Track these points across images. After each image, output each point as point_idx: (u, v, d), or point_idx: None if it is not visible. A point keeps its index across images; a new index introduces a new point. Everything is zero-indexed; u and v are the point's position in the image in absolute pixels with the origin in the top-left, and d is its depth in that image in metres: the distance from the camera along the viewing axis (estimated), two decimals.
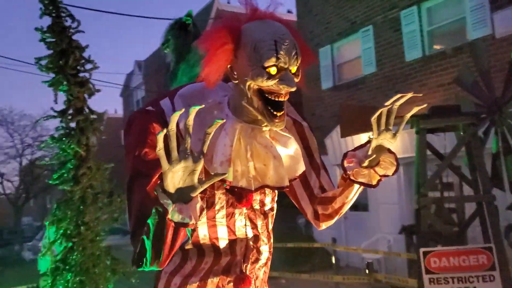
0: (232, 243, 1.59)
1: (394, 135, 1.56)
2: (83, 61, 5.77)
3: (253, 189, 1.55)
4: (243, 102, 1.49)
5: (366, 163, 1.61)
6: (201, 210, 1.30)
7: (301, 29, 13.88)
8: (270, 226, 1.71)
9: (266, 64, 1.42)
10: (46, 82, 5.57)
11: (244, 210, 1.61)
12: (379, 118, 1.56)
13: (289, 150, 1.61)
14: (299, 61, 1.48)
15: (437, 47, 10.26)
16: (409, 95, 1.51)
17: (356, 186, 1.68)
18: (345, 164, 1.66)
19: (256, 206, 1.64)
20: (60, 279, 5.24)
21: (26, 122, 29.62)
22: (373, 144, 1.59)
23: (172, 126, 1.15)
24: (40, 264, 6.09)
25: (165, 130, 1.13)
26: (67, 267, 5.29)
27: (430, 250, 4.91)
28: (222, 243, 1.58)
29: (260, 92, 1.47)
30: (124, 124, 1.61)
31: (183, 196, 1.21)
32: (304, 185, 1.80)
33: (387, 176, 1.65)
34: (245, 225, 1.61)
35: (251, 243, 1.62)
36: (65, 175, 5.51)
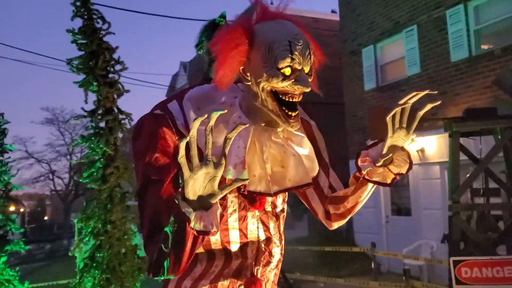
0: (244, 246, 1.58)
1: (408, 133, 1.57)
2: (112, 62, 5.89)
3: (272, 193, 1.53)
4: (257, 103, 1.48)
5: (381, 162, 1.60)
6: (221, 216, 1.26)
7: (344, 29, 13.77)
8: (282, 228, 1.70)
9: (281, 65, 1.41)
10: (77, 82, 5.72)
11: (257, 212, 1.59)
12: (393, 117, 1.57)
13: (304, 150, 1.60)
14: (312, 61, 1.47)
15: (484, 47, 9.89)
16: (423, 93, 1.52)
17: (370, 185, 1.68)
18: (359, 163, 1.66)
19: (268, 208, 1.63)
20: (87, 276, 5.35)
21: (76, 121, 30.73)
22: (388, 142, 1.59)
23: (193, 132, 1.13)
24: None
25: (188, 138, 1.12)
26: (94, 264, 5.40)
27: (461, 259, 4.68)
28: (234, 247, 1.57)
29: (274, 93, 1.46)
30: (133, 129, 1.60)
31: (203, 203, 1.20)
32: (314, 185, 1.76)
33: (402, 174, 1.64)
34: (258, 227, 1.60)
35: (263, 245, 1.61)
36: (95, 174, 5.63)
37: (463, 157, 5.54)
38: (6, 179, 6.56)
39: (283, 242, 1.70)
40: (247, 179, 1.24)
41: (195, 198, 1.19)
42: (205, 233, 1.20)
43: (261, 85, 1.45)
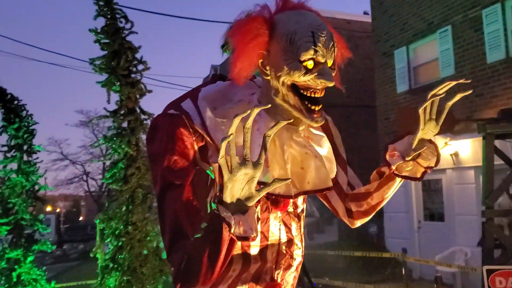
0: (263, 249, 1.53)
1: (437, 124, 1.54)
2: (135, 62, 5.88)
3: (292, 195, 1.46)
4: (277, 99, 1.42)
5: (411, 156, 1.56)
6: (258, 220, 1.23)
7: (376, 31, 13.56)
8: (302, 229, 1.65)
9: (303, 58, 1.35)
10: (100, 82, 5.72)
11: (279, 214, 1.55)
12: (424, 109, 1.53)
13: (324, 150, 1.56)
14: (335, 54, 1.42)
15: None
16: (454, 82, 1.48)
17: (398, 180, 1.64)
18: (388, 158, 1.62)
19: (290, 208, 1.58)
20: (108, 277, 5.34)
21: (110, 124, 31.30)
22: (419, 135, 1.55)
23: (233, 129, 1.09)
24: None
25: (230, 136, 1.08)
26: (115, 266, 5.38)
27: (495, 269, 4.45)
28: (254, 250, 1.51)
29: (295, 88, 1.40)
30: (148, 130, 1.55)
31: (240, 206, 1.17)
32: (332, 182, 1.71)
33: (431, 167, 1.60)
34: (279, 229, 1.55)
35: (283, 248, 1.56)
36: (117, 174, 5.62)
37: (498, 161, 5.32)
38: (34, 179, 6.65)
39: (303, 243, 1.65)
40: (289, 178, 1.19)
41: (234, 201, 1.15)
42: (245, 238, 1.16)
43: (282, 79, 1.39)
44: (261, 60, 1.43)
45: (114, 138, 5.62)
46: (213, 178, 1.45)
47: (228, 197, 1.14)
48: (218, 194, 1.16)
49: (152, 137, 1.45)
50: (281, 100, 1.41)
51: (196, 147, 1.42)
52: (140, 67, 5.92)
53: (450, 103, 1.49)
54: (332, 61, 1.41)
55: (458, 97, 1.47)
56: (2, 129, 6.66)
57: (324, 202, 1.79)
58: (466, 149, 10.12)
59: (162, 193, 1.35)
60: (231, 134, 1.08)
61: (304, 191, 1.49)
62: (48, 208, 37.99)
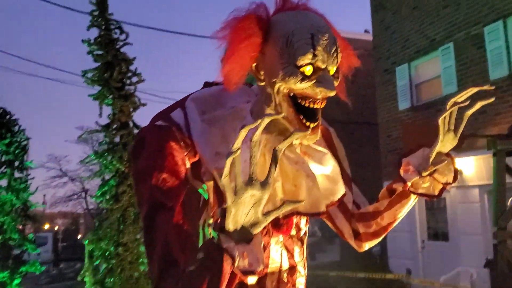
0: (262, 278, 1.35)
1: (456, 136, 1.44)
2: (129, 74, 5.70)
3: (281, 216, 1.28)
4: (268, 109, 1.28)
5: (429, 171, 1.45)
6: (263, 249, 1.13)
7: (377, 48, 13.50)
8: (305, 254, 1.48)
9: (301, 62, 1.20)
10: (92, 95, 5.54)
11: (281, 238, 1.38)
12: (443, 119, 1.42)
13: (325, 168, 1.38)
14: (339, 61, 1.26)
15: None
16: (477, 88, 1.37)
17: (413, 198, 1.52)
18: (402, 173, 1.48)
19: (293, 231, 1.42)
20: None
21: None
22: (438, 147, 1.44)
23: (239, 143, 0.93)
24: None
25: (237, 152, 0.92)
26: None
27: None
28: (251, 279, 1.31)
29: (292, 98, 1.24)
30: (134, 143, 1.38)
31: (244, 234, 1.01)
32: (341, 200, 1.55)
33: (449, 184, 1.48)
34: (281, 255, 1.38)
35: (285, 276, 1.39)
36: (108, 192, 5.41)
37: (508, 179, 5.12)
38: (25, 196, 6.43)
39: (306, 270, 1.47)
40: (302, 201, 1.06)
41: (238, 228, 0.99)
42: (251, 272, 0.99)
43: (277, 86, 1.23)
44: (255, 64, 1.27)
45: (105, 154, 5.42)
46: (206, 198, 1.31)
47: (231, 224, 0.98)
48: (219, 220, 1.00)
49: (137, 152, 1.28)
50: (272, 110, 1.26)
51: (188, 164, 1.27)
52: (135, 79, 5.74)
53: (469, 112, 1.37)
54: (334, 69, 1.26)
55: (478, 105, 1.35)
56: None
57: (328, 223, 1.62)
58: (470, 167, 9.94)
59: (151, 216, 1.17)
60: (238, 148, 0.92)
61: (297, 211, 1.32)
62: (46, 226, 37.73)
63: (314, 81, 1.21)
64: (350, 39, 15.53)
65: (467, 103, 1.38)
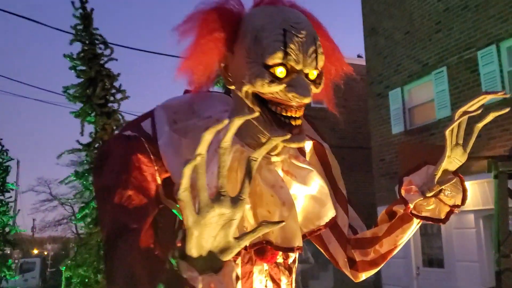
0: None
1: (465, 151, 1.27)
2: (113, 90, 5.50)
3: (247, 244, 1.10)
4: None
5: (434, 191, 1.27)
6: (237, 280, 0.95)
7: (370, 72, 13.52)
8: (294, 284, 1.30)
9: (270, 62, 1.03)
10: (73, 113, 5.33)
11: (265, 266, 1.20)
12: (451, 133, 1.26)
13: (311, 188, 1.21)
14: (320, 63, 1.08)
15: None
16: (491, 95, 1.21)
17: (415, 222, 1.33)
18: (404, 194, 1.29)
19: (279, 259, 1.24)
20: None
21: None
22: (444, 164, 1.27)
23: (203, 149, 0.74)
24: None
25: (197, 159, 0.73)
26: None
27: None
28: None
29: (263, 102, 1.07)
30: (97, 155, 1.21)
31: (212, 261, 0.81)
32: (330, 224, 1.36)
33: (458, 206, 1.31)
34: (265, 286, 1.21)
35: None
36: (89, 215, 5.17)
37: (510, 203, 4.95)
38: (5, 220, 6.15)
39: None
40: (283, 221, 0.84)
41: (203, 254, 0.80)
42: None
43: (244, 88, 1.06)
44: (224, 64, 1.12)
45: (86, 174, 5.18)
46: (181, 219, 1.12)
47: (194, 249, 0.79)
48: (179, 244, 0.82)
49: (100, 166, 1.11)
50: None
51: (159, 180, 1.10)
52: (119, 96, 5.54)
53: (480, 125, 1.21)
54: (315, 73, 1.09)
55: (491, 116, 1.19)
56: None
57: (321, 249, 1.43)
58: None
59: (112, 240, 1.00)
60: (199, 155, 0.74)
61: (267, 241, 1.14)
62: (36, 251, 37.06)
63: (285, 85, 1.05)
64: None
65: (479, 112, 1.22)
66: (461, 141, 1.27)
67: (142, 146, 1.10)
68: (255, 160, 0.80)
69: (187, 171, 0.73)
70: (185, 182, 0.74)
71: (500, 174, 4.71)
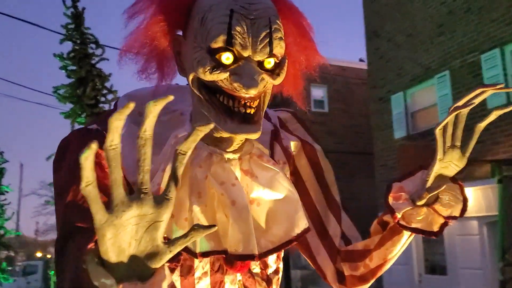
0: None
1: (463, 155, 1.11)
2: (104, 91, 5.39)
3: (196, 252, 1.00)
4: (198, 106, 1.02)
5: (424, 200, 1.12)
6: None
7: (372, 76, 13.46)
8: None
9: (213, 46, 0.92)
10: (63, 113, 5.21)
11: (238, 276, 1.10)
12: (445, 132, 1.10)
13: (277, 193, 1.06)
14: (278, 50, 0.95)
15: None
16: (490, 88, 1.06)
17: (407, 234, 1.17)
18: (391, 202, 1.15)
19: (256, 269, 1.13)
20: None
21: None
22: (436, 168, 1.11)
23: (113, 139, 0.63)
24: None
25: (92, 147, 0.60)
26: None
27: None
28: None
29: (212, 91, 0.96)
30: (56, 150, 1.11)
31: (138, 267, 0.70)
32: (320, 233, 1.26)
33: (454, 218, 1.14)
34: None
35: None
36: None
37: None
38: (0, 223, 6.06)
39: None
40: (214, 225, 0.71)
41: (124, 260, 0.67)
42: None
43: (190, 76, 0.97)
44: (178, 50, 1.02)
45: None
46: None
47: (111, 253, 0.67)
48: (93, 246, 0.70)
49: (58, 160, 1.03)
50: (200, 107, 1.01)
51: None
52: (110, 96, 5.44)
53: (482, 124, 1.06)
54: (271, 60, 0.97)
55: (494, 115, 1.04)
56: None
57: (308, 260, 1.29)
58: (469, 197, 9.50)
59: (61, 241, 0.91)
60: (110, 146, 0.63)
61: (223, 249, 1.02)
62: (39, 254, 37.12)
63: (230, 73, 0.93)
64: (345, 67, 15.61)
65: (469, 108, 1.07)
66: (458, 143, 1.11)
67: (104, 140, 0.98)
68: (183, 154, 0.68)
69: (85, 161, 0.60)
70: (86, 175, 0.61)
71: (504, 178, 4.58)
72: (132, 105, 0.62)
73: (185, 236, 0.70)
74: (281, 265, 1.20)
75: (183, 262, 1.07)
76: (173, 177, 0.69)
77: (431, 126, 11.17)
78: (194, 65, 0.96)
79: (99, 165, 0.96)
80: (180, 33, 1.06)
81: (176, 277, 1.08)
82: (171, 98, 0.67)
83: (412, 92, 12.13)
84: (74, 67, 5.09)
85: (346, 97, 17.90)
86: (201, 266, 1.08)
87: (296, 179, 1.26)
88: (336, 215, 1.28)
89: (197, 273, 1.07)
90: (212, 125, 0.69)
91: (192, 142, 0.68)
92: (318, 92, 17.82)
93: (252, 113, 0.97)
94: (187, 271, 1.07)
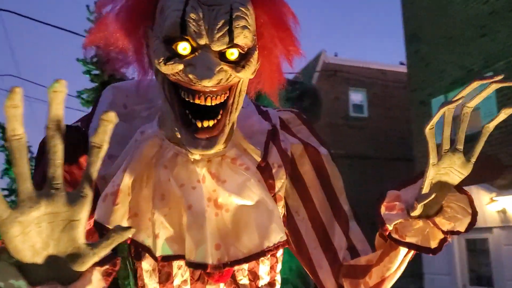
0: None
1: (468, 161, 0.98)
2: None
3: (156, 255, 0.95)
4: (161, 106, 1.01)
5: (418, 211, 0.98)
6: None
7: (412, 79, 13.19)
8: None
9: (169, 35, 0.88)
10: None
11: (222, 286, 1.05)
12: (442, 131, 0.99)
13: (245, 200, 0.99)
14: (240, 40, 0.88)
15: None
16: (488, 79, 0.93)
17: (404, 249, 1.03)
18: (383, 212, 1.02)
19: (244, 280, 1.07)
20: None
21: None
22: (430, 175, 0.96)
23: (15, 128, 0.60)
24: None
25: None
26: None
27: None
28: None
29: (175, 86, 0.92)
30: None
31: (59, 270, 0.66)
32: (323, 245, 1.15)
33: (456, 233, 0.99)
34: None
35: None
36: None
37: None
38: None
39: None
40: (131, 227, 0.67)
41: (39, 262, 0.64)
42: None
43: (155, 70, 0.94)
44: (147, 42, 0.98)
45: None
46: None
47: (23, 252, 0.63)
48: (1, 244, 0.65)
49: (37, 158, 1.02)
50: (164, 106, 0.96)
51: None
52: None
53: (491, 125, 0.94)
54: (234, 51, 0.90)
55: (503, 115, 0.92)
56: (3, 172, 6.30)
57: (309, 272, 1.18)
58: None
59: None
60: (13, 135, 0.60)
61: (183, 254, 0.96)
62: None
63: (184, 64, 0.88)
64: (385, 71, 15.37)
65: (459, 101, 0.98)
66: (460, 146, 0.98)
67: (84, 138, 0.99)
68: (98, 147, 0.64)
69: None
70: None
71: None
72: (18, 89, 0.58)
73: (107, 238, 0.65)
74: (278, 278, 1.12)
75: (160, 268, 1.03)
76: (88, 172, 0.64)
77: (474, 131, 10.67)
78: (151, 55, 0.92)
79: (77, 163, 0.96)
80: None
81: (154, 284, 1.03)
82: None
83: (453, 95, 11.69)
84: (97, 72, 5.16)
85: (385, 101, 17.50)
86: (180, 273, 1.03)
87: (297, 185, 1.17)
88: (343, 226, 1.16)
89: (176, 281, 1.02)
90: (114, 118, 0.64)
91: (103, 134, 0.63)
92: (357, 97, 17.48)
93: (211, 125, 0.90)
94: (165, 278, 1.03)
